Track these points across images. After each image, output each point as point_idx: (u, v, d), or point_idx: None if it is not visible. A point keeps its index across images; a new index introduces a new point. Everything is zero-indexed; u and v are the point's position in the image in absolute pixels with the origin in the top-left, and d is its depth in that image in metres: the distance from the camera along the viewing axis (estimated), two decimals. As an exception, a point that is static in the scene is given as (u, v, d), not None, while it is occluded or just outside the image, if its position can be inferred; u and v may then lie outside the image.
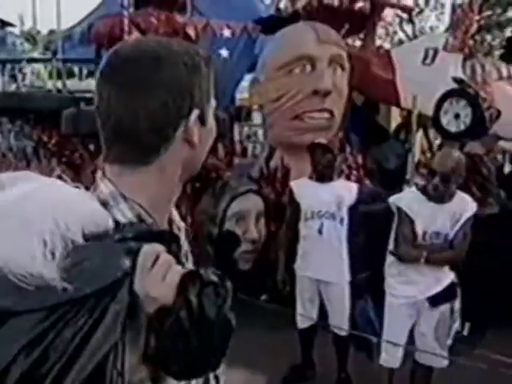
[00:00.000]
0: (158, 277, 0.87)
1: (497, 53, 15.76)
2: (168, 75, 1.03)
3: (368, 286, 4.25)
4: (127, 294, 0.85)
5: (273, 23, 7.59)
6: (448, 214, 3.43)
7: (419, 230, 3.46)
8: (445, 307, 3.49)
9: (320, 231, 4.15)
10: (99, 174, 1.09)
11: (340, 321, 4.14)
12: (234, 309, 0.92)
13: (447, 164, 3.38)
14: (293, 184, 4.55)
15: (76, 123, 6.11)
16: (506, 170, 6.64)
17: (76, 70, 13.34)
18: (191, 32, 7.54)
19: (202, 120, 1.07)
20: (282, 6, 8.23)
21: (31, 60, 11.14)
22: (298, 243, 4.28)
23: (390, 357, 3.65)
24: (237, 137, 8.75)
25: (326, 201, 4.14)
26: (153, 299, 0.86)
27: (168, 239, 0.95)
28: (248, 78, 7.79)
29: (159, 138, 1.04)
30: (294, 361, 4.38)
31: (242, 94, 8.52)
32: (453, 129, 6.32)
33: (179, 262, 0.95)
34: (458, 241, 3.43)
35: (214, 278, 0.90)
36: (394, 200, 3.63)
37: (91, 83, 12.86)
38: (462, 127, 6.26)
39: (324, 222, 4.14)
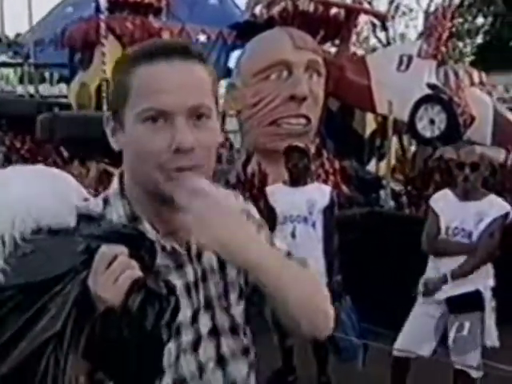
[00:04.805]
0: (110, 279, 0.86)
1: (467, 59, 16.05)
2: None
3: (345, 287, 4.23)
4: (77, 289, 0.86)
5: (248, 29, 7.61)
6: (472, 211, 3.43)
7: (442, 224, 3.52)
8: (466, 315, 3.40)
9: (293, 235, 4.14)
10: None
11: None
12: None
13: (474, 155, 3.51)
14: (267, 190, 4.55)
15: (53, 128, 6.03)
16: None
17: (47, 74, 13.16)
18: (166, 37, 7.50)
19: (121, 125, 1.02)
20: (257, 11, 8.24)
21: (0, 64, 10.95)
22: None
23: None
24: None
25: (298, 205, 4.13)
26: (102, 299, 0.86)
27: (137, 243, 0.93)
28: (224, 83, 7.79)
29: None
30: (275, 365, 4.35)
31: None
32: (428, 134, 6.42)
33: (146, 267, 0.91)
34: (482, 241, 3.39)
35: (161, 290, 0.89)
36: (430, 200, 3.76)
37: (63, 88, 12.73)
38: (437, 132, 6.36)
39: (296, 225, 4.12)
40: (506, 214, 3.42)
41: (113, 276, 0.86)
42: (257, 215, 1.20)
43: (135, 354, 0.88)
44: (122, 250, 0.89)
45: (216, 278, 1.08)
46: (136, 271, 0.88)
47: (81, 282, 0.87)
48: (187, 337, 1.04)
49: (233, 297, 1.10)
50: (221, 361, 1.09)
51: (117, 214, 1.03)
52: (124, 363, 0.89)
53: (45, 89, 12.02)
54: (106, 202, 1.06)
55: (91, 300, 0.87)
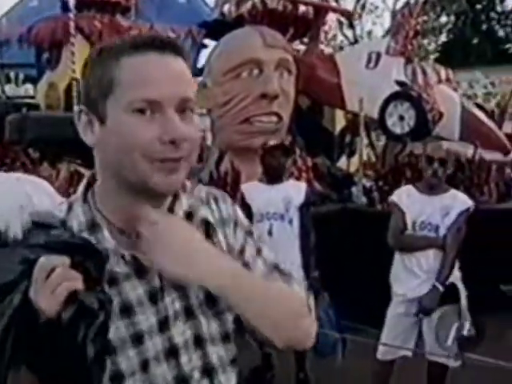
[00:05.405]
0: (48, 290, 0.86)
1: (432, 57, 16.30)
2: None
3: (322, 283, 4.26)
4: (18, 299, 0.86)
5: (218, 27, 7.59)
6: (438, 205, 3.47)
7: (408, 220, 3.54)
8: (445, 307, 3.41)
9: (270, 232, 4.14)
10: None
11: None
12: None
13: (441, 151, 3.56)
14: (243, 187, 4.53)
15: (22, 129, 5.93)
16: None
17: (12, 75, 12.91)
18: (135, 36, 7.45)
19: (100, 118, 0.97)
20: (226, 10, 8.23)
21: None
22: None
23: (387, 351, 3.63)
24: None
25: (274, 202, 4.14)
26: (41, 310, 0.86)
27: (83, 253, 0.92)
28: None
29: None
30: (253, 363, 4.36)
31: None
32: (398, 130, 6.51)
33: (92, 278, 0.91)
34: (451, 236, 3.44)
35: (93, 305, 0.89)
36: (391, 197, 3.75)
37: (29, 89, 12.50)
38: (407, 129, 6.46)
39: (273, 223, 4.13)
40: (468, 208, 3.50)
41: (50, 287, 0.86)
42: (244, 221, 1.17)
43: (68, 368, 0.88)
44: (62, 260, 0.88)
45: (195, 285, 1.03)
46: (75, 283, 0.87)
47: (22, 292, 0.87)
48: (155, 345, 1.01)
49: (223, 303, 1.05)
50: (208, 371, 1.06)
51: (77, 220, 1.01)
52: (59, 376, 0.88)
53: (10, 89, 11.81)
54: (70, 207, 1.04)
55: (34, 310, 0.86)
